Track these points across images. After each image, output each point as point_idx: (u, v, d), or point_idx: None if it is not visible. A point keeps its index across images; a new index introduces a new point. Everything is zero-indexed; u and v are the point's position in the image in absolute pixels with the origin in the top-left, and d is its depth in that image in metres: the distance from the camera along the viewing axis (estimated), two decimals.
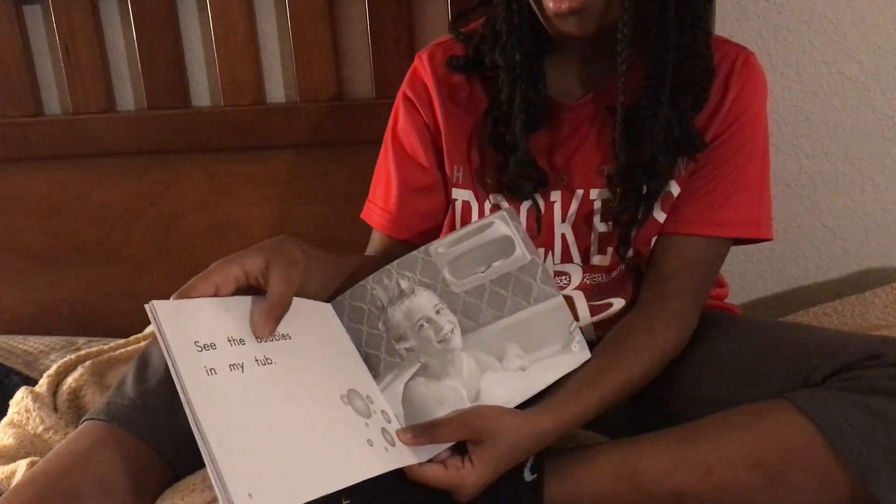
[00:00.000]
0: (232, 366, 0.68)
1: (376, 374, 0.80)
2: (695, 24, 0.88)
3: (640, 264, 1.00)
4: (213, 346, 0.67)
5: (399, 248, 1.00)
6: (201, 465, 0.83)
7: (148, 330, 1.29)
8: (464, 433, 0.76)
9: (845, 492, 0.77)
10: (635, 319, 0.92)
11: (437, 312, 0.81)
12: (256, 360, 0.69)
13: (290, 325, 0.74)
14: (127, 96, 1.41)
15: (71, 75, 1.38)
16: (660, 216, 0.96)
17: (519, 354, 0.82)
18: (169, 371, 0.85)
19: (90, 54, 1.37)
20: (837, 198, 1.33)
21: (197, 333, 0.67)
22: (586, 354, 0.84)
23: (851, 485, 0.77)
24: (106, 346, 1.20)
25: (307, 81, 1.34)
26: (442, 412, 0.78)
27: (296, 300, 0.75)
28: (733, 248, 0.99)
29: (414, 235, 1.03)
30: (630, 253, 0.96)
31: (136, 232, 1.45)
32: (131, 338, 1.25)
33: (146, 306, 0.67)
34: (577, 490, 0.83)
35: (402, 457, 0.75)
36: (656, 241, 0.97)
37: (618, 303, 0.99)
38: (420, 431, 0.76)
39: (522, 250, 0.83)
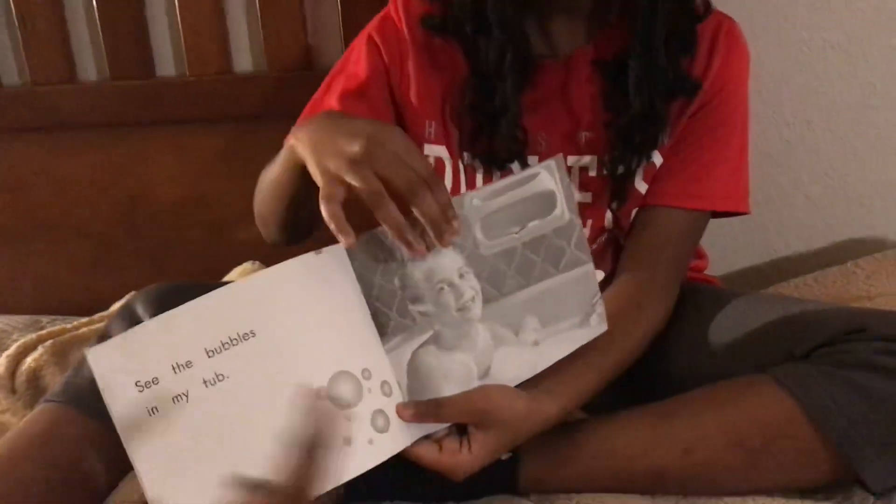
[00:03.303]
0: (175, 398, 0.63)
1: (384, 332, 0.71)
2: None
3: (619, 237, 0.99)
4: (155, 381, 0.63)
5: None
6: None
7: (113, 308, 1.26)
8: (469, 416, 0.73)
9: (828, 469, 0.76)
10: (622, 294, 0.90)
11: (461, 276, 0.73)
12: (205, 382, 0.64)
13: (260, 313, 0.67)
14: (88, 66, 1.36)
15: (29, 44, 1.32)
16: (642, 187, 0.95)
17: (536, 328, 0.77)
18: None
19: (49, 22, 1.31)
20: (818, 167, 1.31)
21: (139, 371, 0.63)
22: (604, 327, 0.80)
23: (834, 462, 0.75)
24: (69, 325, 1.17)
25: (275, 50, 1.30)
26: (448, 387, 0.73)
27: (289, 263, 0.68)
28: (712, 220, 0.98)
29: None
30: (615, 206, 0.95)
31: (102, 207, 1.40)
32: (95, 316, 1.21)
33: (86, 354, 0.63)
34: (554, 469, 0.81)
35: (390, 446, 0.71)
36: (637, 214, 0.96)
37: (598, 275, 0.97)
38: (424, 410, 0.72)
39: (563, 208, 0.75)
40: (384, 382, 0.71)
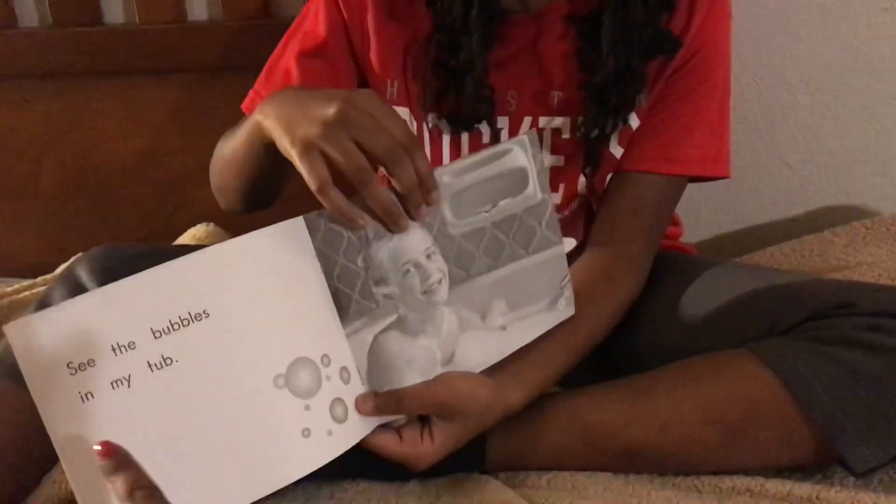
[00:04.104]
0: (114, 382, 0.56)
1: (344, 315, 0.67)
2: None
3: (592, 202, 0.95)
4: (90, 363, 0.56)
5: None
6: None
7: (59, 270, 1.20)
8: (432, 408, 0.69)
9: (809, 448, 0.73)
10: (593, 267, 0.86)
11: (428, 257, 0.68)
12: (150, 365, 0.57)
13: (215, 291, 0.60)
14: (29, 11, 1.29)
15: None
16: (616, 151, 0.92)
17: (503, 312, 0.73)
18: None
19: None
20: (797, 132, 1.28)
21: (71, 350, 0.56)
22: (571, 311, 0.77)
23: (815, 442, 0.73)
24: (9, 289, 1.11)
25: None
26: (410, 374, 0.69)
27: (248, 237, 0.62)
28: (689, 185, 0.95)
29: None
30: (589, 171, 0.92)
31: (47, 163, 1.34)
32: (38, 279, 1.16)
33: (5, 330, 0.56)
34: (524, 445, 0.79)
35: (349, 436, 0.66)
36: (611, 179, 0.93)
37: (569, 243, 0.95)
38: (384, 403, 0.67)
39: (535, 187, 0.71)
40: (343, 368, 0.66)
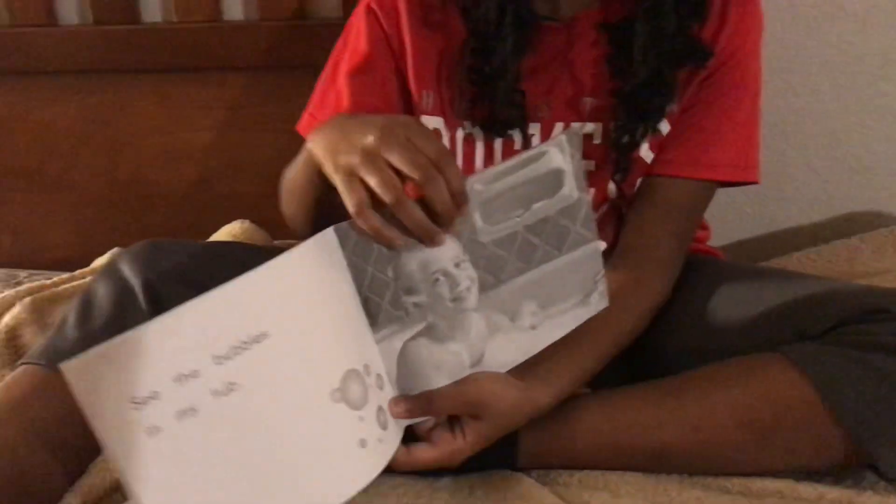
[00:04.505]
0: (180, 413, 0.54)
1: (374, 323, 0.67)
2: None
3: (622, 206, 0.96)
4: (155, 395, 0.53)
5: None
6: None
7: (95, 263, 1.22)
8: (462, 408, 0.71)
9: (839, 452, 0.74)
10: (622, 271, 0.87)
11: (457, 266, 0.69)
12: (214, 393, 0.56)
13: (271, 311, 0.59)
14: (70, 8, 1.31)
15: None
16: (647, 156, 0.92)
17: (534, 312, 0.73)
18: (117, 311, 0.80)
19: None
20: (824, 138, 1.28)
21: (134, 384, 0.53)
22: (605, 304, 0.77)
23: (847, 446, 0.73)
24: (48, 282, 1.13)
25: None
26: (438, 378, 0.70)
27: (291, 253, 0.62)
28: (718, 190, 0.95)
29: None
30: (619, 178, 0.92)
31: (82, 157, 1.36)
32: (77, 272, 1.17)
33: (61, 370, 0.52)
34: (555, 445, 0.80)
35: (393, 441, 0.68)
36: (641, 183, 0.94)
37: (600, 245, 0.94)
38: (415, 405, 0.69)
39: (571, 186, 0.70)
40: (378, 376, 0.67)
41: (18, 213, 1.39)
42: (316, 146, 0.70)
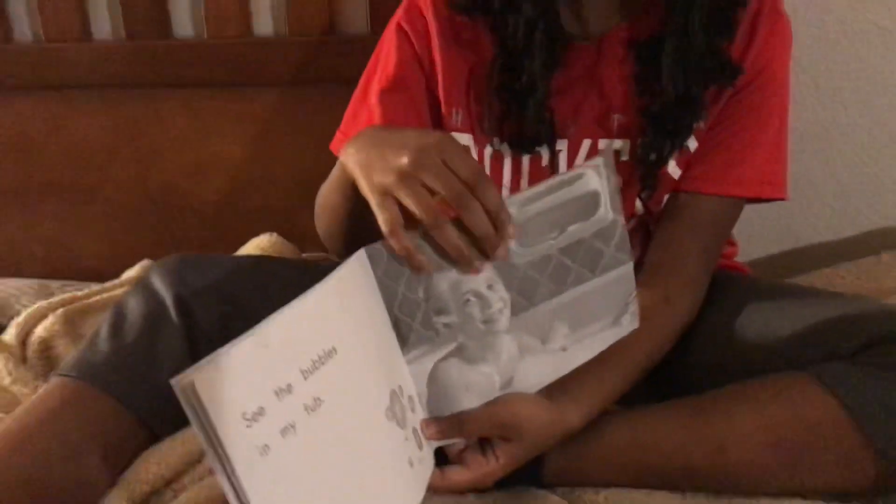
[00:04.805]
0: (284, 430, 0.53)
1: (404, 343, 0.68)
2: None
3: (649, 223, 0.96)
4: (261, 411, 0.52)
5: None
6: (181, 425, 0.80)
7: (126, 275, 1.24)
8: (493, 430, 0.72)
9: (869, 474, 0.73)
10: (650, 288, 0.86)
11: (489, 287, 0.68)
12: (306, 409, 0.55)
13: (336, 327, 0.59)
14: (103, 24, 1.32)
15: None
16: (675, 172, 0.92)
17: (565, 334, 0.73)
18: (148, 325, 0.82)
19: None
20: (853, 152, 1.28)
21: (243, 400, 0.51)
22: (636, 324, 0.76)
23: (876, 467, 0.73)
24: (80, 293, 1.14)
25: (298, 12, 1.26)
26: (468, 399, 0.71)
27: (338, 273, 0.62)
28: (745, 205, 0.95)
29: None
30: (645, 195, 0.92)
31: (113, 169, 1.37)
32: (108, 284, 1.19)
33: (175, 388, 0.49)
34: (581, 463, 0.79)
35: (428, 462, 0.69)
36: (668, 199, 0.94)
37: None
38: (447, 427, 0.70)
39: (606, 208, 0.70)
40: (410, 397, 0.68)
41: (51, 225, 1.41)
42: (350, 160, 0.70)
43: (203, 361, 0.50)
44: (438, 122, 0.94)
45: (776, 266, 1.32)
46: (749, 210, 0.97)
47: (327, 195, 0.84)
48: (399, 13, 0.95)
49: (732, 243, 1.08)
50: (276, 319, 0.55)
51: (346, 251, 0.89)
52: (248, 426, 0.51)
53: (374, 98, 0.93)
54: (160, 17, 1.29)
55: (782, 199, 0.94)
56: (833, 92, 1.24)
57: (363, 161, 0.68)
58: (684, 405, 0.80)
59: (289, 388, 0.54)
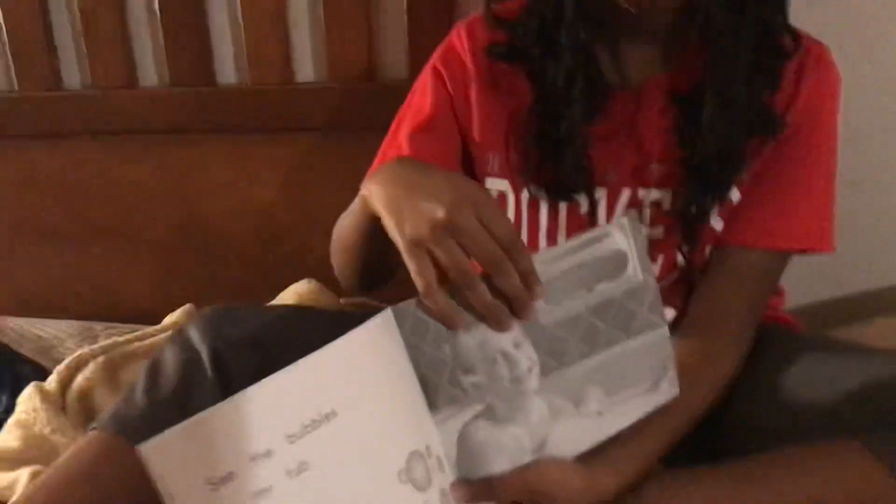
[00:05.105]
0: (256, 494, 0.54)
1: (432, 404, 0.66)
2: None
3: (691, 276, 0.93)
4: (231, 476, 0.54)
5: None
6: None
7: (167, 320, 1.25)
8: (524, 495, 0.69)
9: None
10: (692, 345, 0.84)
11: (516, 346, 0.67)
12: (287, 473, 0.56)
13: (339, 390, 0.60)
14: (149, 71, 1.35)
15: (91, 48, 1.32)
16: (717, 224, 0.90)
17: (599, 398, 0.71)
18: (183, 378, 0.82)
19: (111, 26, 1.30)
20: None
21: (210, 465, 0.54)
22: (675, 392, 0.74)
23: None
24: (121, 339, 1.16)
25: (338, 60, 1.28)
26: (499, 462, 0.69)
27: (355, 333, 0.62)
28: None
29: None
30: (686, 249, 0.90)
31: (158, 213, 1.40)
32: (148, 329, 1.20)
33: (138, 451, 0.53)
34: None
35: None
36: (711, 252, 0.91)
37: (668, 313, 0.92)
38: (476, 491, 0.68)
39: (635, 268, 0.69)
40: (438, 458, 0.67)
41: (98, 267, 1.43)
42: (374, 197, 0.69)
43: (175, 427, 0.53)
44: (468, 166, 0.94)
45: (827, 315, 1.28)
46: (798, 257, 0.94)
47: (345, 232, 0.83)
48: (436, 55, 0.95)
49: (780, 292, 1.05)
50: (264, 383, 0.56)
51: (360, 285, 0.90)
52: (212, 489, 0.53)
53: (404, 137, 0.93)
54: (204, 65, 1.31)
55: (829, 251, 0.91)
56: (887, 138, 1.22)
57: (391, 202, 0.67)
58: (727, 472, 0.77)
59: (268, 454, 0.55)
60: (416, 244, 0.63)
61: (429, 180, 0.66)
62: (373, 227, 0.71)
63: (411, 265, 0.64)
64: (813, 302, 1.30)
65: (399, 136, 0.94)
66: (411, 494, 0.63)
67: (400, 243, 0.65)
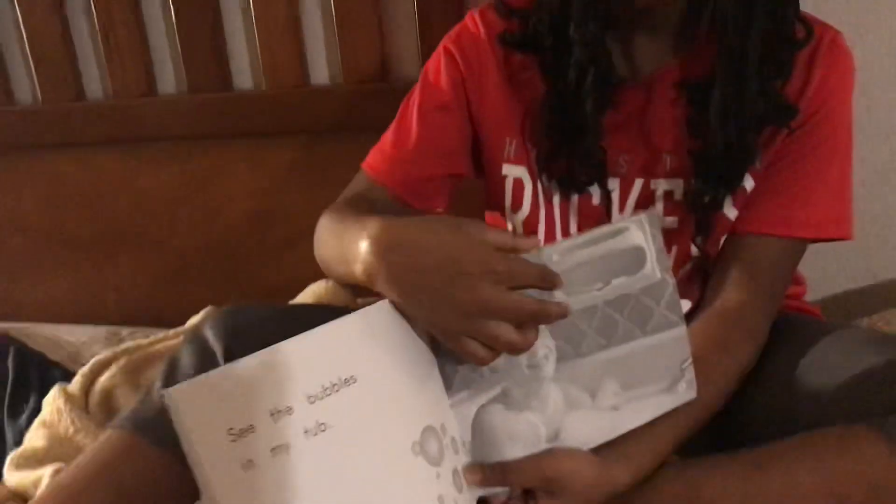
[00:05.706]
0: (274, 449, 0.55)
1: (449, 385, 0.67)
2: None
3: (706, 266, 0.93)
4: (250, 428, 0.55)
5: (387, 206, 0.94)
6: None
7: (190, 322, 1.26)
8: (537, 482, 0.69)
9: None
10: (708, 336, 0.83)
11: None
12: (306, 432, 0.57)
13: (361, 356, 0.61)
14: (168, 79, 1.37)
15: (111, 58, 1.35)
16: (731, 213, 0.89)
17: (616, 392, 0.71)
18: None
19: (130, 36, 1.34)
20: None
21: (232, 416, 0.54)
22: (692, 394, 0.74)
23: None
24: (145, 341, 1.17)
25: (351, 62, 1.29)
26: (513, 449, 0.69)
27: (376, 306, 0.64)
28: (810, 244, 0.90)
29: (412, 198, 0.96)
30: (700, 240, 0.89)
31: (180, 220, 1.42)
32: (170, 332, 1.22)
33: (165, 401, 0.54)
34: None
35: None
36: (726, 242, 0.90)
37: (684, 305, 0.91)
38: (490, 475, 0.69)
39: (653, 266, 0.69)
40: (453, 439, 0.67)
41: (122, 273, 1.46)
42: (379, 279, 0.66)
43: (202, 375, 0.55)
44: (475, 146, 0.95)
45: (850, 304, 1.27)
46: (824, 246, 0.93)
47: (331, 253, 0.83)
48: (448, 38, 0.95)
49: (800, 282, 1.03)
50: (286, 346, 0.57)
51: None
52: (232, 440, 0.54)
53: (414, 113, 0.94)
54: (221, 71, 1.34)
55: (847, 239, 0.90)
56: None
57: (406, 291, 0.65)
58: (743, 459, 0.76)
59: (288, 411, 0.56)
60: (454, 338, 0.64)
61: (431, 256, 0.64)
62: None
63: (457, 351, 0.65)
64: (836, 293, 1.28)
65: (409, 113, 0.95)
66: (424, 467, 0.63)
67: (436, 334, 0.66)
